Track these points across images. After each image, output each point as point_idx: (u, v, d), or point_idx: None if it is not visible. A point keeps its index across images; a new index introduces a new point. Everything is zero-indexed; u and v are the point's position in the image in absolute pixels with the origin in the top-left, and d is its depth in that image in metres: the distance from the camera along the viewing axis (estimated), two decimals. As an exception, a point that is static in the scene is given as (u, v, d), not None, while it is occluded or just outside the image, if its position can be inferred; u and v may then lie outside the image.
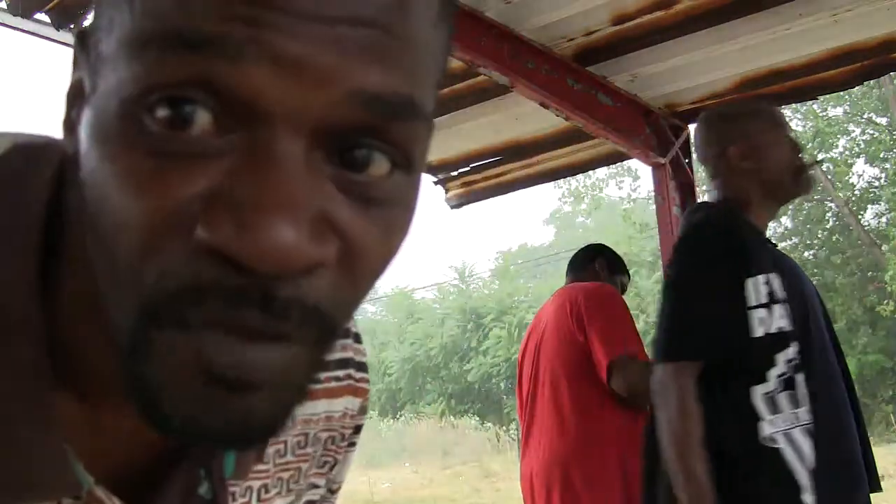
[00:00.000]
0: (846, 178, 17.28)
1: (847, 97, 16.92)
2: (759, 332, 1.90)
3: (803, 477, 1.93)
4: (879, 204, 17.45)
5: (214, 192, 0.36)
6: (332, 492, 0.68)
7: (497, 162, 3.98)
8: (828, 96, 14.36)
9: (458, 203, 4.22)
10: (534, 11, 2.81)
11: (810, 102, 15.18)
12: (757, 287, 1.92)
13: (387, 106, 0.37)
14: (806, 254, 17.04)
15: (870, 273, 16.34)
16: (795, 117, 17.69)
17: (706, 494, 1.82)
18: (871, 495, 2.50)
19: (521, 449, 3.05)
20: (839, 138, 17.39)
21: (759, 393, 1.92)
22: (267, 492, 0.58)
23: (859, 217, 17.14)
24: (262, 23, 0.34)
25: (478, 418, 18.77)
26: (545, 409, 2.89)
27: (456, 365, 20.06)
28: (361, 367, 0.65)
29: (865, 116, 17.63)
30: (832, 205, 17.39)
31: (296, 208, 0.35)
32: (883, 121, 17.55)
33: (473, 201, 4.24)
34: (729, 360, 1.93)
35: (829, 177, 17.02)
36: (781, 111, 2.11)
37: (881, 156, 17.32)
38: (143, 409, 0.39)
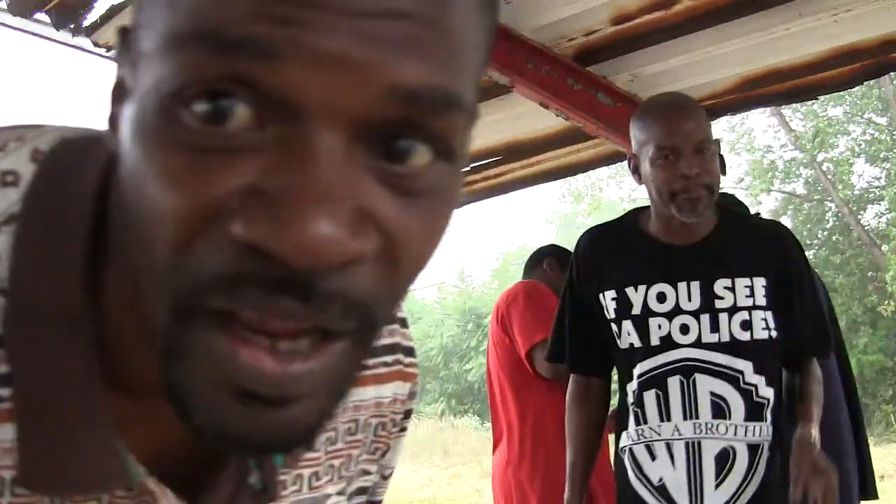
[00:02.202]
0: (846, 178, 17.28)
1: (847, 97, 16.91)
2: (621, 343, 1.94)
3: (646, 494, 1.92)
4: (879, 204, 17.45)
5: (252, 187, 0.35)
6: (385, 478, 0.68)
7: (497, 162, 3.98)
8: (828, 96, 14.36)
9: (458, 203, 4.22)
10: (534, 11, 2.81)
11: (810, 102, 15.17)
12: (606, 302, 1.95)
13: (426, 100, 0.37)
14: (806, 254, 17.03)
15: (870, 273, 16.34)
16: (795, 117, 17.70)
17: None
18: (870, 501, 2.51)
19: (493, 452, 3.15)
20: (839, 138, 17.38)
21: (627, 403, 1.97)
22: (318, 479, 0.57)
23: (859, 217, 17.13)
24: (298, 20, 0.34)
25: (478, 418, 18.76)
26: (499, 415, 2.98)
27: (456, 365, 20.06)
28: (409, 351, 0.65)
29: (865, 116, 17.62)
30: (832, 205, 17.38)
31: (334, 202, 0.35)
32: (883, 121, 17.54)
33: (473, 201, 4.24)
34: (620, 370, 2.02)
35: (829, 177, 17.02)
36: (676, 116, 1.85)
37: (881, 156, 17.31)
38: (178, 413, 0.39)
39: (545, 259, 3.22)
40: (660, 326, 1.87)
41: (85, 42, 3.04)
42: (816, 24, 2.81)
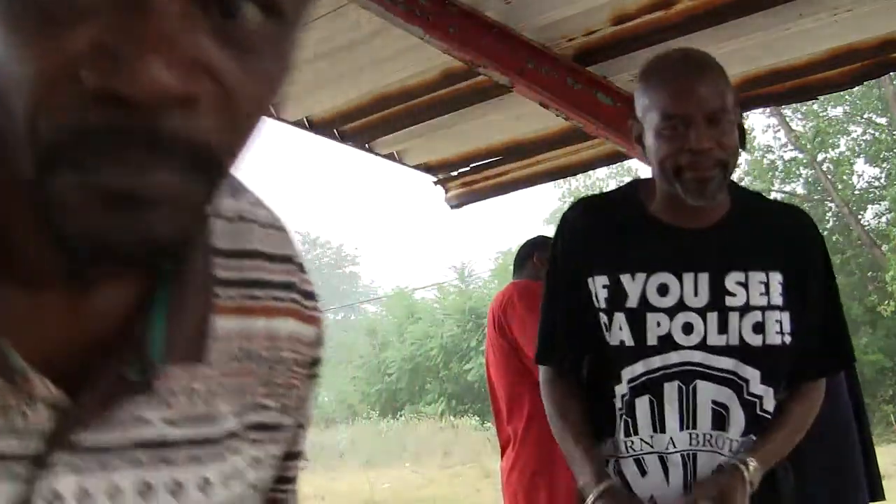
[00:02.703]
0: (846, 178, 17.29)
1: (847, 97, 16.92)
2: (610, 339, 1.64)
3: None
4: (880, 204, 17.46)
5: (98, 43, 0.40)
6: (300, 427, 0.68)
7: (497, 162, 3.98)
8: (828, 96, 14.37)
9: (458, 203, 4.22)
10: (534, 11, 2.81)
11: (810, 102, 15.18)
12: (596, 288, 1.64)
13: None
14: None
15: (870, 273, 16.34)
16: (795, 117, 17.70)
17: None
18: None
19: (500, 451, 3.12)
20: (839, 138, 17.39)
21: (615, 407, 1.67)
22: (212, 396, 0.58)
23: (859, 217, 17.14)
24: None
25: (478, 418, 18.76)
26: (503, 421, 2.96)
27: (456, 365, 20.06)
28: (309, 295, 0.67)
29: (865, 116, 17.63)
30: (832, 205, 17.39)
31: (170, 50, 0.40)
32: (883, 121, 17.55)
33: (473, 201, 4.24)
34: (597, 366, 1.71)
35: (829, 177, 17.03)
36: (687, 78, 1.56)
37: (881, 156, 17.32)
38: (55, 241, 0.43)
39: (534, 253, 3.17)
40: (659, 324, 1.59)
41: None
42: (816, 24, 2.81)
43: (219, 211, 0.60)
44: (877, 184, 17.77)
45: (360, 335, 24.35)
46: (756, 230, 1.66)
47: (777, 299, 1.61)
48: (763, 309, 1.60)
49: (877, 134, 17.40)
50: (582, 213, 1.74)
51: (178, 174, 0.42)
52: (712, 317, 1.59)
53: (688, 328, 1.59)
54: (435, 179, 4.19)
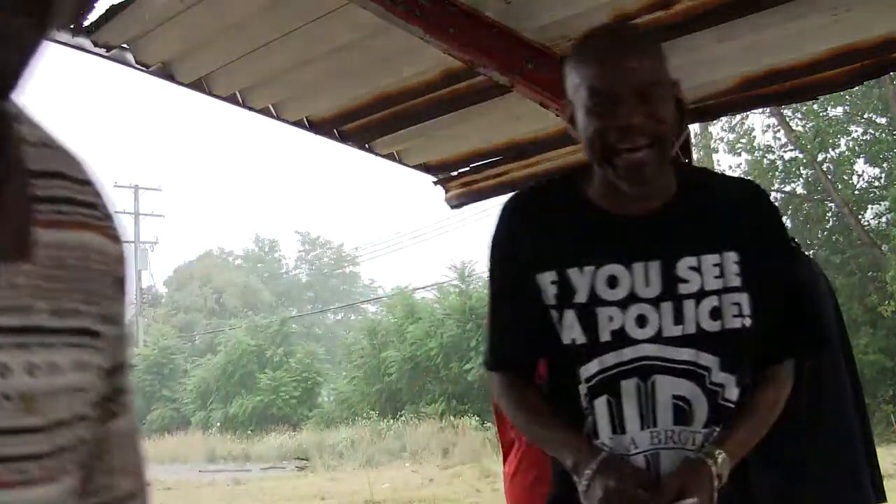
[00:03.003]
0: (846, 178, 17.29)
1: (847, 97, 16.92)
2: (563, 338, 1.53)
3: None
4: (880, 204, 17.46)
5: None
6: (119, 338, 0.74)
7: (497, 162, 3.98)
8: (828, 96, 14.36)
9: (458, 203, 4.22)
10: (534, 11, 2.81)
11: (810, 102, 15.17)
12: (544, 285, 1.54)
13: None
14: (806, 254, 17.03)
15: (870, 273, 16.34)
16: (795, 117, 17.70)
17: None
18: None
19: (502, 453, 3.10)
20: (839, 138, 17.39)
21: (580, 408, 1.56)
22: (34, 292, 0.63)
23: (859, 217, 17.14)
24: None
25: (478, 418, 18.77)
26: (506, 425, 2.94)
27: (456, 365, 20.06)
28: (111, 217, 0.74)
29: (865, 116, 17.63)
30: (832, 205, 17.39)
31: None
32: (883, 121, 17.55)
33: (473, 201, 4.24)
34: (557, 367, 1.61)
35: (829, 177, 17.02)
36: (614, 52, 1.48)
37: (881, 156, 17.32)
38: None
39: None
40: (611, 318, 1.49)
41: (85, 42, 3.04)
42: (816, 24, 2.81)
43: (24, 137, 0.66)
44: (877, 184, 17.77)
45: (360, 335, 24.35)
46: (706, 209, 1.55)
47: (734, 280, 1.51)
48: (719, 293, 1.50)
49: (877, 134, 17.40)
50: (522, 206, 1.62)
51: None
52: (666, 307, 1.49)
53: (642, 321, 1.50)
54: (435, 179, 4.19)
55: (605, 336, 1.50)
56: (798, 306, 1.61)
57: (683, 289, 1.50)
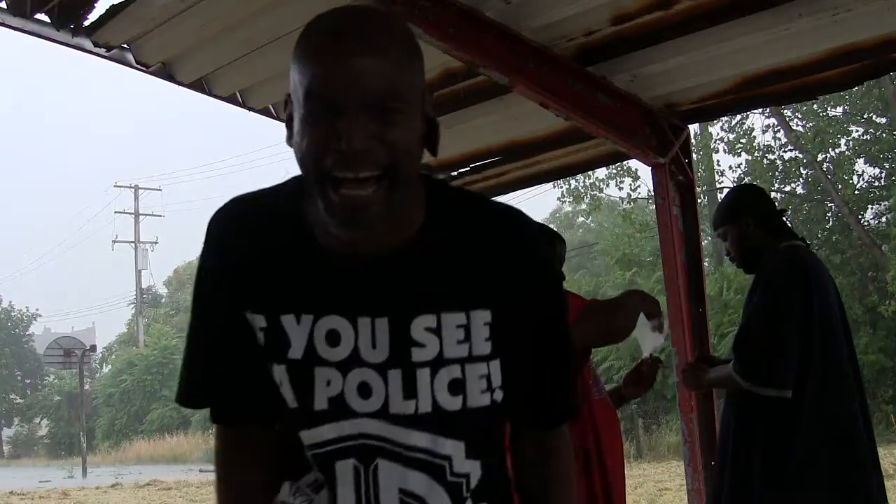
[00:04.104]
0: (846, 178, 17.29)
1: (847, 97, 16.92)
2: (282, 392, 1.19)
3: None
4: (880, 204, 17.46)
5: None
6: None
7: (497, 162, 3.99)
8: (828, 96, 14.36)
9: (458, 203, 4.22)
10: (534, 11, 2.81)
11: (810, 102, 15.17)
12: (256, 328, 1.18)
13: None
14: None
15: (870, 273, 16.34)
16: (795, 117, 17.70)
17: None
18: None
19: None
20: (839, 138, 17.39)
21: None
22: None
23: (859, 217, 17.14)
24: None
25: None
26: None
27: (456, 365, 20.03)
28: None
29: (865, 116, 17.63)
30: (832, 205, 17.39)
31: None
32: (883, 121, 17.55)
33: (473, 201, 4.24)
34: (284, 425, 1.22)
35: (830, 177, 17.03)
36: (341, 48, 1.05)
37: (881, 156, 17.32)
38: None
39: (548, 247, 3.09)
40: (329, 382, 1.14)
41: (85, 42, 3.04)
42: (816, 24, 2.81)
43: None
44: (877, 184, 17.76)
45: (360, 335, 24.28)
46: (457, 252, 1.15)
47: (482, 347, 1.15)
48: (463, 361, 1.15)
49: (877, 134, 17.40)
50: (232, 222, 1.19)
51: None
52: (395, 375, 1.13)
53: (365, 390, 1.14)
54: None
55: (320, 403, 1.15)
56: (556, 374, 1.24)
57: (417, 355, 1.13)
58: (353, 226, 1.06)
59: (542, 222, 3.17)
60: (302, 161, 1.07)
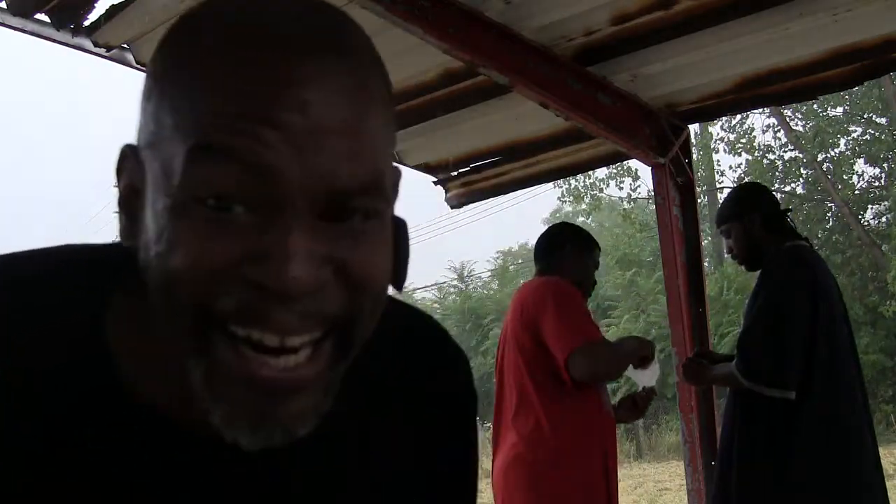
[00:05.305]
0: (846, 178, 17.29)
1: (847, 97, 16.93)
2: None
3: None
4: (880, 204, 17.46)
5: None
6: None
7: (497, 162, 3.99)
8: (828, 96, 14.37)
9: (459, 203, 4.23)
10: (534, 11, 2.81)
11: (810, 102, 15.18)
12: None
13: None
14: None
15: (870, 273, 16.34)
16: (796, 117, 17.70)
17: None
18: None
19: (492, 449, 3.06)
20: (839, 138, 17.39)
21: None
22: None
23: (859, 217, 17.14)
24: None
25: (477, 418, 18.76)
26: (517, 414, 2.84)
27: (456, 365, 20.03)
28: None
29: (865, 116, 17.63)
30: (832, 205, 17.39)
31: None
32: (883, 121, 17.55)
33: (473, 201, 4.24)
34: None
35: (830, 177, 17.03)
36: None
37: (881, 156, 17.32)
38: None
39: (566, 244, 2.93)
40: None
41: (85, 42, 3.04)
42: (816, 24, 2.81)
43: None
44: (877, 184, 17.77)
45: (360, 335, 24.27)
46: (378, 437, 0.73)
47: None
48: None
49: (877, 134, 17.39)
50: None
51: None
52: None
53: None
54: (435, 179, 4.19)
55: None
56: None
57: None
58: (260, 427, 0.55)
59: (579, 226, 3.18)
60: (164, 288, 0.54)
